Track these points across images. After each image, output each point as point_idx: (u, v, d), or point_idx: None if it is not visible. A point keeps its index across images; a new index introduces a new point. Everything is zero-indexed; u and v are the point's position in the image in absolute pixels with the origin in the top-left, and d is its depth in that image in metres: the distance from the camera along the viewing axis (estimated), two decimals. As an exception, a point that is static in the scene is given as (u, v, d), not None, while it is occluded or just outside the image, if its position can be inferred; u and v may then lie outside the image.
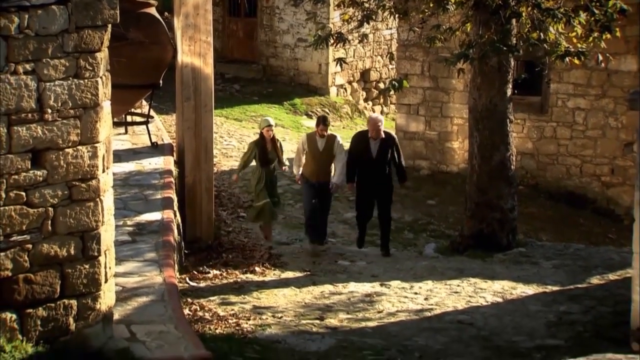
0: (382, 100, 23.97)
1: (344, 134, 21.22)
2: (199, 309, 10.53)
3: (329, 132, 13.24)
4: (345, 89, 23.16)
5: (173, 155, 13.41)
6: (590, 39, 12.84)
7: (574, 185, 17.56)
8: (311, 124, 21.58)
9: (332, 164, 13.17)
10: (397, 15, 13.91)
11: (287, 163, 14.06)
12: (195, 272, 11.97)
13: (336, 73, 22.78)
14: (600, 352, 9.72)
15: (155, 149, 13.46)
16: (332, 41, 13.20)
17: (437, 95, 18.29)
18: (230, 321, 10.26)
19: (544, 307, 11.17)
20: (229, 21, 23.81)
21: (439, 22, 13.30)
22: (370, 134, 13.02)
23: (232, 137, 19.45)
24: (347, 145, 13.64)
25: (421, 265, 13.18)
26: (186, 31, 12.71)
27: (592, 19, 12.56)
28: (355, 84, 23.39)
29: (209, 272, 12.05)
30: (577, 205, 17.37)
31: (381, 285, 11.84)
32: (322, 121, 13.29)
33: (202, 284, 11.57)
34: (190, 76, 12.79)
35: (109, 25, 7.39)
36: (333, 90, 22.81)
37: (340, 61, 13.53)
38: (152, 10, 13.28)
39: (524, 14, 12.76)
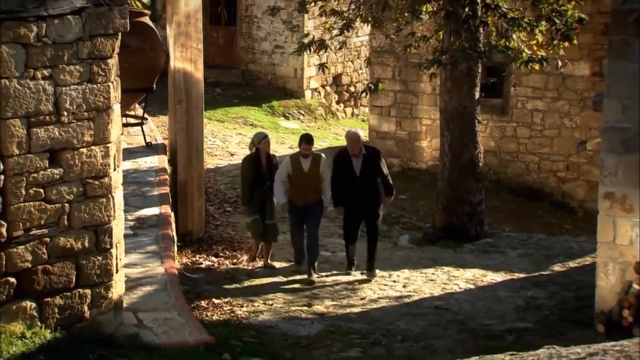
0: (352, 103, 24.05)
1: (318, 134, 21.29)
2: (194, 297, 10.54)
3: (314, 152, 11.61)
4: (319, 92, 23.20)
5: (166, 155, 13.38)
6: (551, 46, 13.03)
7: (532, 181, 17.71)
8: (288, 124, 21.62)
9: (320, 186, 11.47)
10: (372, 24, 13.96)
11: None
12: (189, 263, 11.98)
13: (311, 77, 22.82)
14: (566, 334, 9.87)
15: (150, 148, 13.43)
16: (314, 48, 13.25)
17: (407, 98, 18.38)
18: (225, 308, 10.30)
19: (513, 293, 11.29)
20: (210, 29, 23.69)
21: (413, 31, 13.39)
22: (351, 151, 11.49)
23: (215, 137, 19.43)
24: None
25: (397, 255, 13.27)
26: (178, 38, 12.71)
27: (553, 27, 12.73)
28: (328, 88, 23.44)
29: (201, 263, 12.06)
30: (536, 198, 17.52)
31: (362, 273, 11.90)
32: (305, 140, 11.44)
33: (196, 275, 11.56)
34: (182, 80, 12.79)
35: (119, 34, 7.40)
36: (308, 94, 22.83)
37: (322, 66, 13.59)
38: (146, 19, 13.27)
39: (490, 23, 12.90)
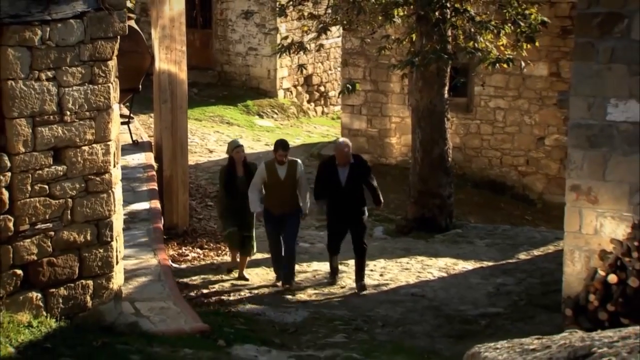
0: (323, 102, 24.11)
1: (291, 132, 21.35)
2: (184, 287, 10.54)
3: (289, 158, 10.66)
4: (291, 91, 23.23)
5: (152, 152, 13.35)
6: (516, 47, 13.19)
7: (495, 175, 17.88)
8: (263, 122, 21.63)
9: (297, 193, 10.63)
10: (346, 27, 14.03)
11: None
12: (176, 255, 11.97)
13: (283, 78, 22.84)
14: (535, 318, 10.03)
15: (136, 146, 13.39)
16: (293, 49, 13.30)
17: (377, 97, 18.46)
18: (213, 298, 10.32)
19: (483, 280, 11.44)
20: (186, 32, 23.59)
21: (387, 34, 13.48)
22: (338, 161, 10.63)
23: (194, 135, 19.36)
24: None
25: (373, 246, 13.24)
26: (163, 41, 12.69)
27: (518, 30, 12.89)
28: (299, 88, 23.48)
29: (188, 255, 12.06)
30: (498, 191, 17.69)
31: (340, 264, 11.93)
32: (281, 146, 10.55)
33: (183, 266, 11.57)
34: (167, 81, 12.77)
35: (119, 37, 7.41)
36: (281, 93, 22.86)
37: (300, 67, 13.66)
38: (132, 23, 13.18)
39: (459, 26, 13.02)
